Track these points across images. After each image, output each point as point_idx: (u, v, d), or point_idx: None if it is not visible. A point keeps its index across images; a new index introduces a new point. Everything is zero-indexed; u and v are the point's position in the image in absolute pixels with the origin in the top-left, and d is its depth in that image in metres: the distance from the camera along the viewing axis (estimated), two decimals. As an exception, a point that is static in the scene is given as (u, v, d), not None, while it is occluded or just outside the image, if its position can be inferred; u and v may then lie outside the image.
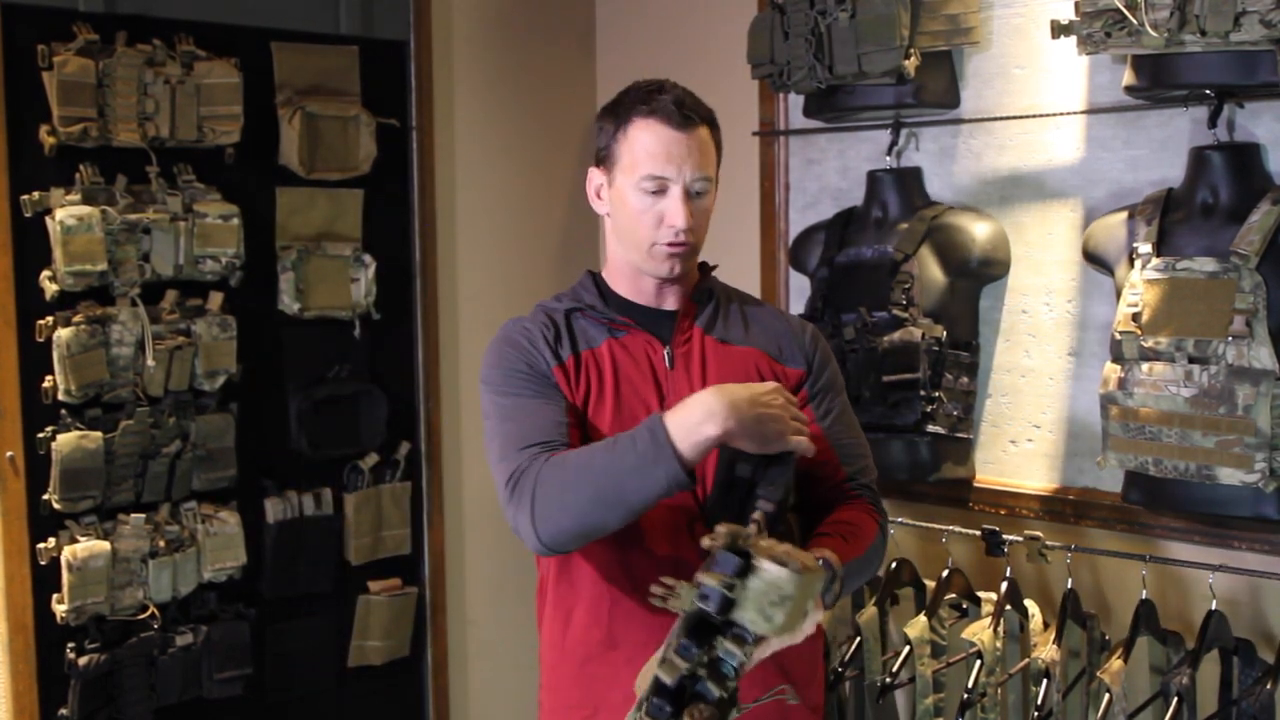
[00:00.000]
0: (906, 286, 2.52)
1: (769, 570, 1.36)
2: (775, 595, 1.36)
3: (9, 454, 2.52)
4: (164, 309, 2.63)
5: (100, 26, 2.55)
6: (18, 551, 2.53)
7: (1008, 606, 2.37)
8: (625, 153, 1.79)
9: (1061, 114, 2.48)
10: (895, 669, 2.38)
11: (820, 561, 1.58)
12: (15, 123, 2.49)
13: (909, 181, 2.68)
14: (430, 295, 3.13)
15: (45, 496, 2.53)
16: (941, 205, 2.64)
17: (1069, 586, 2.32)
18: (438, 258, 3.15)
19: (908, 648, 2.38)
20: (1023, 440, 2.60)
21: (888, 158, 2.70)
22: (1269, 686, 2.11)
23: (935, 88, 2.59)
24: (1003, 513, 2.59)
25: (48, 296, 2.52)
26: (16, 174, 2.49)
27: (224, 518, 2.74)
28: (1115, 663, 2.18)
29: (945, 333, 2.51)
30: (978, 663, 2.28)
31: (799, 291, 2.93)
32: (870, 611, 2.50)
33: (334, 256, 2.90)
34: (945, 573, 2.47)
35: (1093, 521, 2.47)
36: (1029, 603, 2.45)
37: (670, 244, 1.78)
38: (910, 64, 2.47)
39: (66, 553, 2.52)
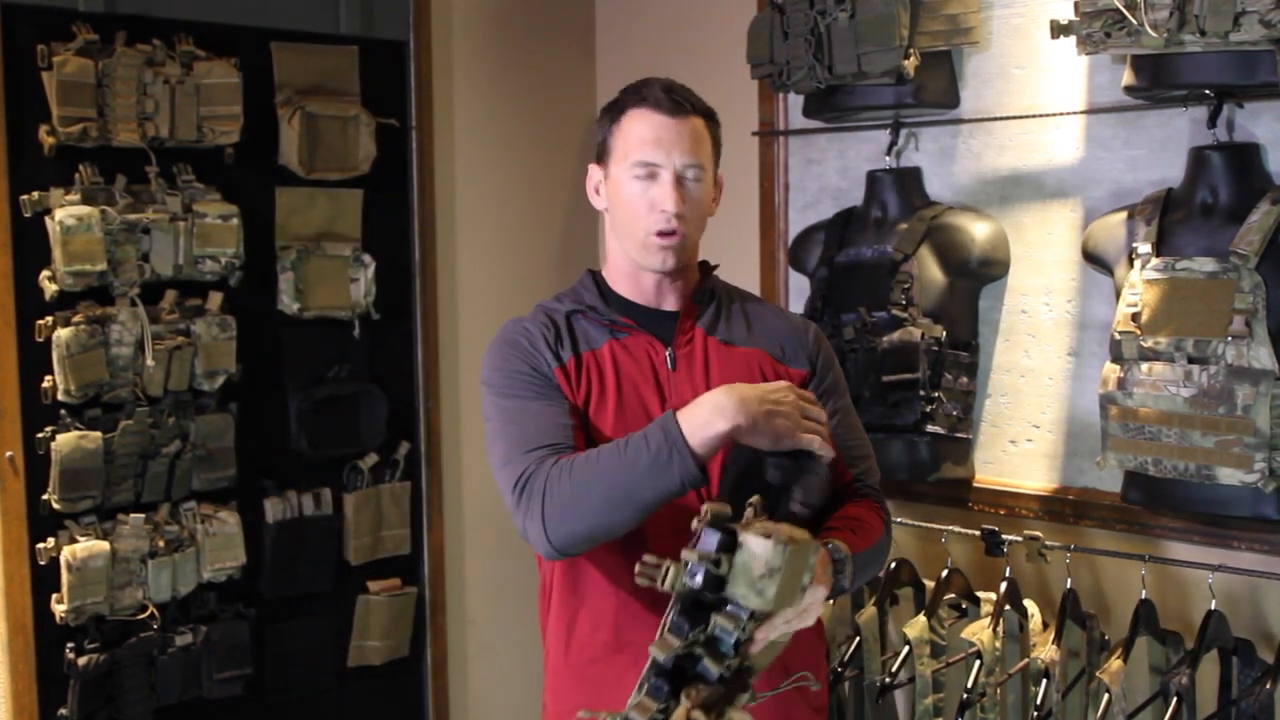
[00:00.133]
0: (906, 286, 2.52)
1: (753, 543, 1.36)
2: (763, 568, 1.35)
3: (8, 454, 2.52)
4: (163, 309, 2.63)
5: (100, 26, 2.55)
6: (17, 551, 2.53)
7: (1007, 606, 2.37)
8: (619, 143, 1.80)
9: (1061, 114, 2.48)
10: (895, 669, 2.38)
11: (829, 546, 1.59)
12: (15, 123, 2.49)
13: (909, 181, 2.68)
14: (430, 295, 3.13)
15: (45, 496, 2.53)
16: (941, 205, 2.64)
17: (1068, 586, 2.32)
18: (437, 257, 3.14)
19: (907, 648, 2.38)
20: (1022, 440, 2.60)
21: (887, 158, 2.69)
22: (1268, 686, 2.11)
23: (935, 88, 2.59)
24: (1002, 513, 2.59)
25: (47, 296, 2.52)
26: (16, 174, 2.49)
27: (224, 518, 2.74)
28: (1115, 663, 2.18)
29: (945, 333, 2.51)
30: (977, 663, 2.28)
31: (798, 291, 2.93)
32: (870, 611, 2.50)
33: (334, 256, 2.90)
34: (945, 573, 2.47)
35: (1092, 521, 2.47)
36: (1028, 603, 2.45)
37: (661, 232, 1.76)
38: (910, 64, 2.47)
39: (66, 553, 2.52)
